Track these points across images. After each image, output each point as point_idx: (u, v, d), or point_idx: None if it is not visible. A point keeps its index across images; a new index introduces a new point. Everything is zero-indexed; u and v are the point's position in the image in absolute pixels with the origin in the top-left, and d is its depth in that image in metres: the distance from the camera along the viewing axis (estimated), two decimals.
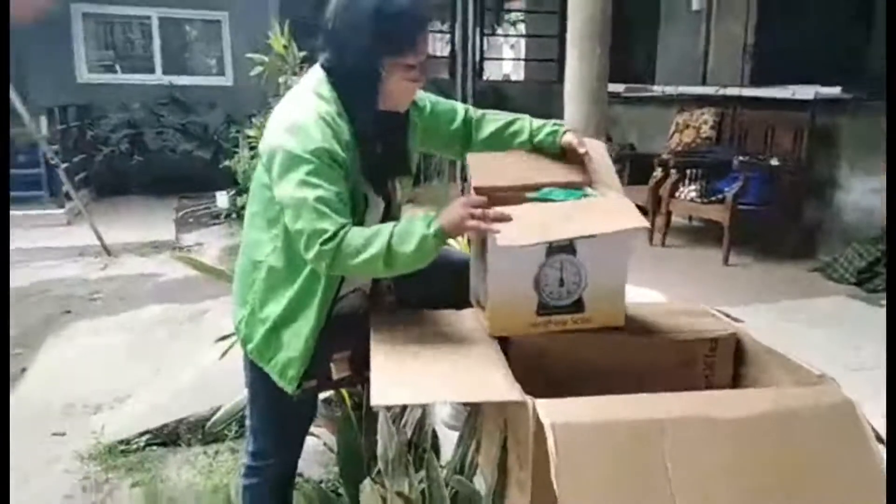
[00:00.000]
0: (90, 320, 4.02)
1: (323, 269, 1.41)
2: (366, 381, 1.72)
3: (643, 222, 1.46)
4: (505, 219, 1.36)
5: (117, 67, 8.44)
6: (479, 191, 1.61)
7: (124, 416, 2.87)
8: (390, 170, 1.59)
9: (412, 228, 1.37)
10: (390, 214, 1.61)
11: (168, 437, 2.71)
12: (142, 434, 2.70)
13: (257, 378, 1.61)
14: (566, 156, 1.71)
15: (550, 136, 1.71)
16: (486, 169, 1.68)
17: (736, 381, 1.58)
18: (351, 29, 1.43)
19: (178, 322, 3.86)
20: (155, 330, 3.79)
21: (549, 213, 1.48)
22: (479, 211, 1.36)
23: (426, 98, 1.70)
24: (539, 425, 1.09)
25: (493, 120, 1.74)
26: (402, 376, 1.32)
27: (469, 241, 1.80)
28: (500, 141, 1.73)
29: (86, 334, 3.80)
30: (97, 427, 2.75)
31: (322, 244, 1.37)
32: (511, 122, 1.74)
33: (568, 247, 1.44)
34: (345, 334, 1.58)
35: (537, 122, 1.73)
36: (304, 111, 1.45)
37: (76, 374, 3.28)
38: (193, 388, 2.94)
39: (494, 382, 1.27)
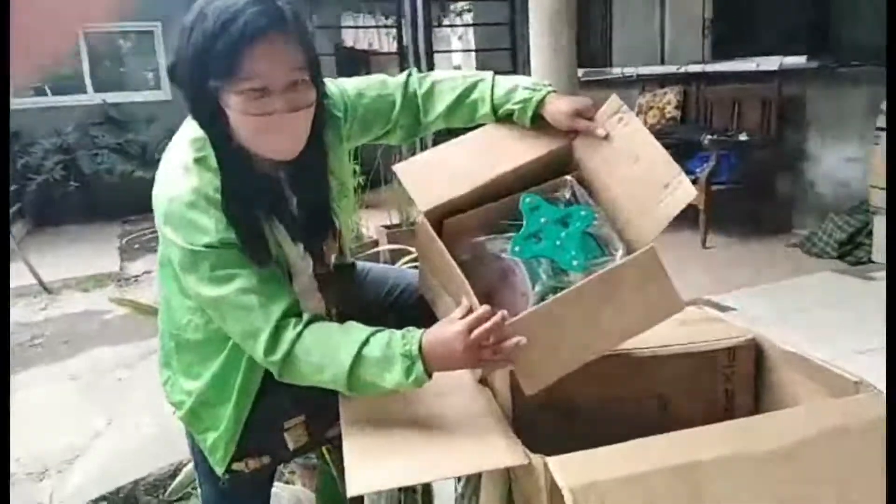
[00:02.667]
0: (31, 370, 3.68)
1: (274, 375, 1.15)
2: (329, 442, 1.47)
3: (680, 303, 1.20)
4: (521, 345, 1.05)
5: (46, 89, 7.96)
6: (430, 216, 1.28)
7: (75, 480, 2.60)
8: (314, 229, 1.26)
9: (386, 361, 1.07)
10: (326, 271, 1.33)
11: (125, 501, 2.45)
12: (96, 501, 2.43)
13: (196, 450, 1.36)
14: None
15: (521, 108, 1.30)
16: (425, 180, 1.31)
17: (758, 392, 1.44)
18: (181, 61, 1.09)
19: (129, 365, 3.55)
20: (104, 376, 3.48)
21: (571, 320, 1.15)
22: (487, 351, 1.04)
23: (346, 95, 1.33)
24: (553, 484, 0.92)
25: (446, 90, 1.36)
26: (382, 452, 1.10)
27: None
28: (458, 116, 1.36)
29: (27, 387, 3.47)
30: (44, 496, 2.50)
31: (265, 352, 1.09)
32: (469, 90, 1.34)
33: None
34: (293, 397, 1.30)
35: (503, 87, 1.33)
36: (180, 192, 1.11)
37: (17, 435, 2.95)
38: (151, 441, 2.69)
39: (492, 443, 1.09)
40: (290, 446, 1.33)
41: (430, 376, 1.07)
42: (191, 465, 2.22)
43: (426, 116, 1.37)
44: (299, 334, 1.10)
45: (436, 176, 1.31)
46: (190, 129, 1.17)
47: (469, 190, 1.29)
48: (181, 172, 1.14)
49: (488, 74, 1.37)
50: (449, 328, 1.05)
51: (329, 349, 1.09)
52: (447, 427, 1.15)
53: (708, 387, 1.41)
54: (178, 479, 2.28)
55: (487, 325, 1.03)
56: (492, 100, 1.33)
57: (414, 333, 1.08)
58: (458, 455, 1.08)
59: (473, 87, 1.35)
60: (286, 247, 1.21)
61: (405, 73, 1.41)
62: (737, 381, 1.42)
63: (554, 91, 1.32)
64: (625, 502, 0.91)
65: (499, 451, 1.05)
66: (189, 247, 1.10)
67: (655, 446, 0.98)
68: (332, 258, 1.36)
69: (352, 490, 0.99)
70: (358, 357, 1.07)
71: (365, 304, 1.45)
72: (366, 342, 1.08)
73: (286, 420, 1.31)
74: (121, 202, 7.18)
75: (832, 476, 0.99)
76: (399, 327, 1.22)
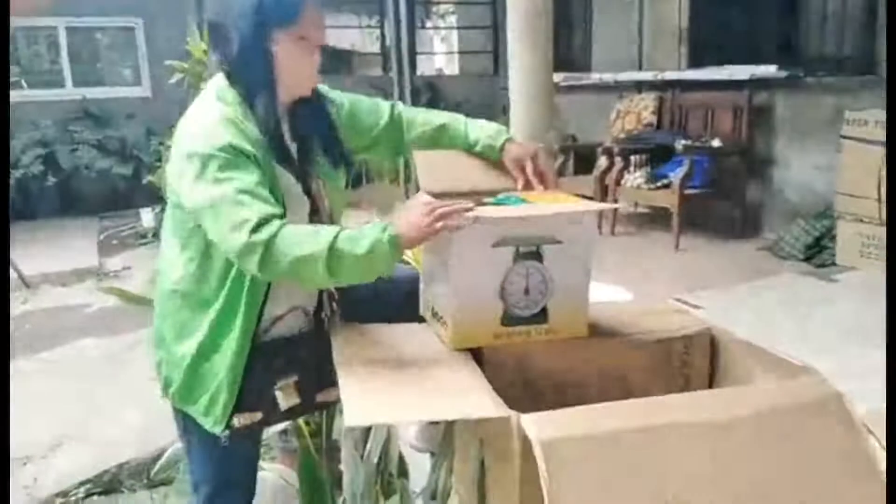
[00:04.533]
0: (13, 361, 3.67)
1: (254, 267, 1.22)
2: (319, 408, 1.59)
3: (610, 206, 1.46)
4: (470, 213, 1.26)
5: (23, 83, 7.91)
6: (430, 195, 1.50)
7: (59, 465, 2.64)
8: (312, 163, 1.46)
9: (363, 231, 1.23)
10: (320, 221, 1.45)
11: (110, 485, 2.50)
12: (80, 484, 2.49)
13: (188, 427, 1.46)
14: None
15: (488, 149, 1.57)
16: (436, 171, 1.56)
17: (713, 378, 1.54)
18: (232, 11, 1.35)
19: (111, 357, 3.58)
20: (86, 367, 3.50)
21: (516, 209, 1.41)
22: (438, 213, 1.23)
23: (345, 97, 1.58)
24: (525, 441, 1.01)
25: (426, 121, 1.61)
26: (376, 395, 1.20)
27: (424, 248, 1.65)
28: (434, 144, 1.60)
29: (9, 377, 3.47)
30: (29, 481, 2.53)
31: (248, 237, 1.20)
32: (445, 126, 1.59)
33: (535, 253, 1.38)
34: (286, 358, 1.44)
35: (475, 129, 1.59)
36: (205, 116, 1.35)
37: None
38: (133, 428, 2.75)
39: (476, 397, 1.18)
40: (282, 405, 1.42)
41: (401, 242, 1.22)
42: (174, 447, 2.28)
43: (409, 133, 1.59)
44: (282, 226, 1.22)
45: (443, 171, 1.54)
46: (215, 81, 1.41)
47: (465, 190, 1.50)
48: (206, 106, 1.36)
49: (461, 117, 1.62)
50: (412, 204, 1.29)
51: (310, 232, 1.24)
52: (436, 382, 1.25)
53: (666, 371, 1.50)
54: (161, 461, 2.32)
55: (447, 202, 1.26)
56: (467, 139, 1.58)
57: None
58: (446, 403, 1.18)
59: (449, 124, 1.59)
60: (285, 181, 1.37)
61: (391, 102, 1.66)
62: (693, 366, 1.51)
63: (511, 141, 1.58)
64: (587, 456, 0.99)
65: (484, 403, 1.14)
66: (204, 150, 1.27)
67: (619, 410, 1.07)
68: (332, 214, 1.49)
69: (349, 421, 1.08)
70: (336, 235, 1.21)
71: (355, 289, 1.55)
72: (343, 228, 1.24)
73: (279, 379, 1.41)
74: (99, 198, 7.16)
75: (777, 446, 1.08)
76: (405, 300, 1.48)
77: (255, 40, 1.33)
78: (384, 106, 1.60)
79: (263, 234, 1.20)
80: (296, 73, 1.38)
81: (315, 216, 1.43)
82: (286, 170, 1.38)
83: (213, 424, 1.38)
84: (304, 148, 1.44)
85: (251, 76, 1.35)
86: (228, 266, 1.34)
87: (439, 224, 1.22)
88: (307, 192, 1.42)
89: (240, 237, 1.20)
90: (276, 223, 1.22)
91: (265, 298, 1.37)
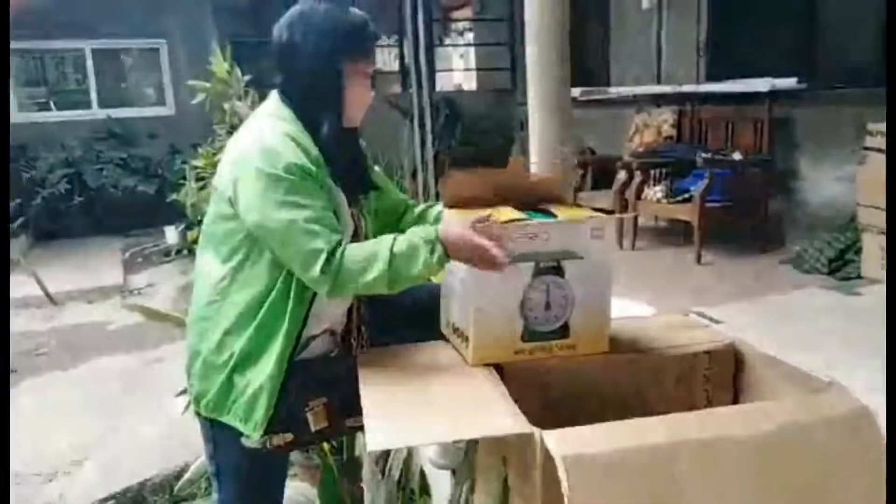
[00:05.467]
0: (37, 378, 3.75)
1: (324, 293, 1.34)
2: (347, 432, 1.59)
3: (630, 214, 1.51)
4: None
5: (51, 104, 8.08)
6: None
7: (82, 481, 2.68)
8: (356, 186, 1.55)
9: (414, 250, 1.32)
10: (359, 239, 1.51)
11: (133, 501, 2.55)
12: (104, 500, 2.53)
13: (219, 442, 1.47)
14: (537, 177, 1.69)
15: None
16: (460, 188, 1.56)
17: (737, 393, 1.53)
18: (308, 38, 1.41)
19: (133, 373, 3.63)
20: (108, 383, 3.55)
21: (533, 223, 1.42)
22: (486, 238, 1.31)
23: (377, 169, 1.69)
24: (548, 458, 1.02)
25: (417, 208, 1.76)
26: (398, 417, 1.22)
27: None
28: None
29: (33, 393, 3.55)
30: (53, 497, 2.57)
31: (322, 268, 1.29)
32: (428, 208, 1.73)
33: (555, 268, 1.38)
34: (318, 379, 1.47)
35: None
36: (266, 133, 1.39)
37: (25, 439, 3.02)
38: (156, 444, 2.79)
39: (498, 415, 1.19)
40: (312, 427, 1.44)
41: (448, 257, 1.33)
42: (198, 463, 2.29)
43: (407, 215, 1.70)
44: (344, 251, 1.33)
45: (467, 189, 1.54)
46: (269, 100, 1.48)
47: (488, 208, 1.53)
48: (264, 123, 1.42)
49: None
50: (461, 225, 1.35)
51: (369, 255, 1.33)
52: (458, 401, 1.26)
53: (689, 386, 1.50)
54: (186, 476, 2.33)
55: (491, 224, 1.33)
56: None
57: (431, 227, 1.39)
58: (469, 422, 1.18)
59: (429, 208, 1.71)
60: (340, 201, 1.45)
61: None
62: (716, 382, 1.50)
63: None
64: (609, 473, 1.00)
65: (506, 421, 1.15)
66: (270, 170, 1.32)
67: (642, 426, 1.07)
68: (367, 236, 1.54)
69: (371, 445, 1.10)
70: (391, 254, 1.31)
71: (387, 303, 1.58)
72: (394, 241, 1.33)
73: (311, 399, 1.44)
74: (124, 216, 7.26)
75: (799, 461, 1.07)
76: (417, 331, 1.50)
77: (329, 66, 1.41)
78: (401, 194, 1.73)
79: (332, 266, 1.30)
80: (356, 102, 1.47)
81: (355, 239, 1.47)
82: (341, 190, 1.46)
83: (252, 430, 1.39)
84: (350, 173, 1.51)
85: (319, 99, 1.43)
86: (272, 281, 1.39)
87: (484, 261, 1.30)
88: (351, 214, 1.49)
89: (313, 270, 1.30)
90: (340, 251, 1.31)
91: (306, 318, 1.42)
